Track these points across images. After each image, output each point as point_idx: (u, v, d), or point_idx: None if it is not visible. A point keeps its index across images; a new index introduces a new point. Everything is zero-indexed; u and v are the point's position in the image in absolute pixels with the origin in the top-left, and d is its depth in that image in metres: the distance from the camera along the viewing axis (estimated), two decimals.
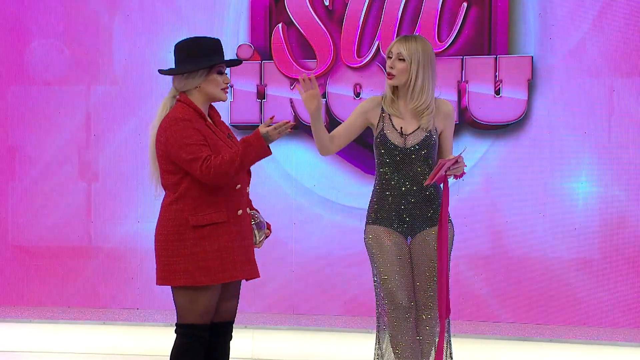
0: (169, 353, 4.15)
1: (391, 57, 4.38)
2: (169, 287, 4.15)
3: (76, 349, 6.60)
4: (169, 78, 4.22)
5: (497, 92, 6.68)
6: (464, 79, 6.71)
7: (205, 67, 4.10)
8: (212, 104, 4.23)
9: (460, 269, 6.59)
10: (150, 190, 7.18)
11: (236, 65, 4.30)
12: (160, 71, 4.21)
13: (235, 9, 7.06)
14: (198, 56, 4.10)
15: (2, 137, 7.38)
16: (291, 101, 6.97)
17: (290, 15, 6.95)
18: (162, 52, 7.11)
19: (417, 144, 4.39)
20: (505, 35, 6.65)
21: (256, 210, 4.32)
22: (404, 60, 4.34)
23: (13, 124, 7.38)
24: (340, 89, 6.89)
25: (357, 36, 6.86)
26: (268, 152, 4.08)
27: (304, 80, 4.33)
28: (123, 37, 7.22)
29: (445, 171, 4.25)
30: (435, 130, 4.44)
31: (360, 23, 6.85)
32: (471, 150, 6.38)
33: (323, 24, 6.92)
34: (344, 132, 4.48)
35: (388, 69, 4.38)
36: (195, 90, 4.13)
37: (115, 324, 6.67)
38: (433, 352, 4.50)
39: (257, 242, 4.25)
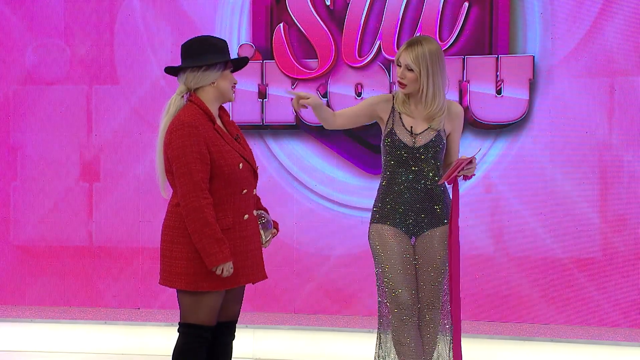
0: (170, 353, 4.15)
1: (400, 66, 4.38)
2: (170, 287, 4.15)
3: (77, 349, 6.60)
4: (171, 77, 4.22)
5: (499, 91, 6.67)
6: (465, 79, 6.71)
7: (224, 61, 4.10)
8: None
9: (460, 269, 6.57)
10: (151, 190, 7.22)
11: (244, 66, 4.30)
12: (178, 67, 4.14)
13: (236, 9, 7.05)
14: (213, 52, 4.09)
15: (2, 137, 7.38)
16: (292, 101, 6.96)
17: (292, 15, 6.95)
18: (163, 51, 7.11)
19: (426, 144, 4.39)
20: (506, 35, 6.65)
21: (264, 209, 4.32)
22: (412, 70, 4.34)
23: (14, 124, 7.38)
24: (341, 89, 6.89)
25: (359, 36, 6.86)
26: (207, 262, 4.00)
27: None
28: (124, 36, 7.22)
29: (458, 171, 4.25)
30: (444, 131, 4.45)
31: (362, 23, 6.84)
32: (471, 150, 6.37)
33: (324, 24, 6.92)
34: (349, 115, 4.51)
35: (399, 78, 4.38)
36: (209, 87, 4.11)
37: (117, 323, 6.67)
38: (435, 353, 4.50)
39: (264, 242, 4.25)
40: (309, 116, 6.95)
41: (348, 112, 4.53)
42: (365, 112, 4.50)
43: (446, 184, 4.42)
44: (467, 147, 6.52)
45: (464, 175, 4.32)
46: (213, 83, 4.11)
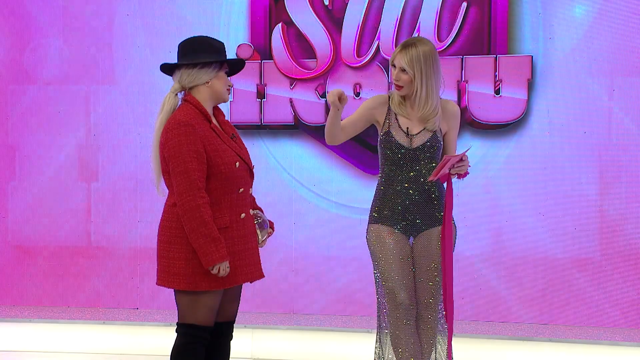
0: (169, 353, 4.14)
1: (395, 67, 4.38)
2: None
3: (76, 349, 6.60)
4: (169, 77, 4.21)
5: (497, 91, 6.67)
6: (463, 79, 6.71)
7: (220, 61, 4.09)
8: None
9: (460, 269, 6.58)
10: (150, 190, 7.21)
11: (240, 69, 4.29)
12: (174, 64, 4.13)
13: (235, 9, 7.05)
14: (209, 52, 4.09)
15: (2, 137, 7.38)
16: (291, 101, 6.97)
17: (290, 15, 6.95)
18: (162, 51, 7.10)
19: (423, 145, 4.40)
20: (505, 35, 6.65)
21: (259, 209, 4.31)
22: (407, 72, 4.34)
23: (13, 124, 7.38)
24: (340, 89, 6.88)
25: (357, 36, 6.86)
26: (206, 262, 3.99)
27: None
28: (123, 36, 7.22)
29: (449, 169, 4.25)
30: (440, 131, 4.45)
31: (360, 23, 6.84)
32: (471, 150, 6.37)
33: (323, 24, 6.91)
34: (350, 126, 4.48)
35: (394, 80, 4.38)
36: (203, 87, 4.11)
37: (115, 323, 6.67)
38: (433, 353, 4.50)
39: (260, 241, 4.25)
40: (307, 116, 6.95)
41: (348, 123, 4.49)
42: (364, 117, 4.49)
43: (440, 182, 4.41)
44: (465, 147, 6.52)
45: (457, 174, 4.32)
46: (207, 82, 4.10)
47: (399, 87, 4.39)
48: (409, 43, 4.37)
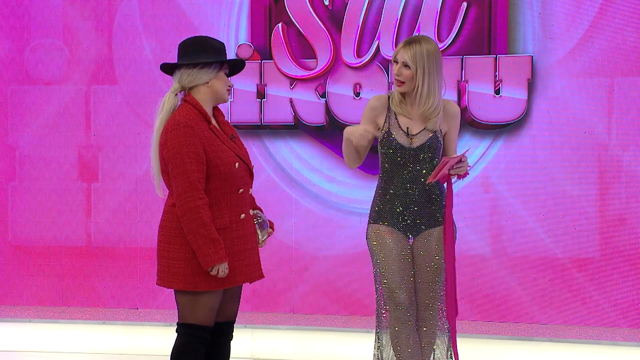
0: (169, 353, 4.15)
1: (397, 63, 4.38)
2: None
3: (76, 349, 6.60)
4: (169, 77, 4.22)
5: (497, 91, 6.67)
6: (463, 79, 6.71)
7: (220, 61, 4.09)
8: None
9: (459, 269, 6.58)
10: (150, 190, 7.21)
11: (240, 70, 4.28)
12: (174, 64, 4.13)
13: (235, 9, 7.05)
14: (210, 52, 4.10)
15: (1, 137, 7.38)
16: (291, 101, 6.97)
17: (290, 15, 6.95)
18: (162, 51, 7.11)
19: (423, 145, 4.39)
20: (505, 35, 6.65)
21: (259, 209, 4.31)
22: (409, 67, 4.34)
23: (13, 124, 7.38)
24: (340, 89, 6.88)
25: (357, 36, 6.86)
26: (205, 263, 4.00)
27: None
28: (123, 36, 7.22)
29: (449, 170, 4.25)
30: (441, 131, 4.45)
31: (360, 22, 6.84)
32: (471, 150, 6.38)
33: (323, 24, 6.91)
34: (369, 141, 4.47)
35: (396, 75, 4.38)
36: (203, 87, 4.11)
37: (115, 323, 6.67)
38: (434, 353, 4.50)
39: (260, 241, 4.25)
40: (307, 116, 6.94)
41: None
42: (372, 125, 4.47)
43: (439, 183, 4.42)
44: (465, 147, 6.53)
45: (457, 175, 4.32)
46: (207, 83, 4.11)
47: (400, 83, 4.38)
48: (413, 40, 4.38)
